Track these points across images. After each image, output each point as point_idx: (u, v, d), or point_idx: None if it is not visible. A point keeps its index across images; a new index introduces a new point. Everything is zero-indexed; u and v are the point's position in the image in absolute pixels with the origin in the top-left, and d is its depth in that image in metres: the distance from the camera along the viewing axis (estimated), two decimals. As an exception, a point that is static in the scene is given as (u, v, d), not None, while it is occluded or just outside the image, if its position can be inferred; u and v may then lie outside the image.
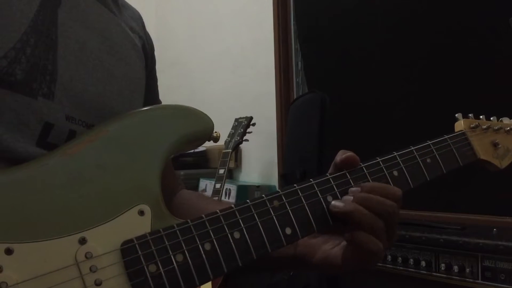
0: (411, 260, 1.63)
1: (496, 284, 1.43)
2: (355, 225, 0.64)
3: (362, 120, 2.11)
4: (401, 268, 1.66)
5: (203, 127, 0.67)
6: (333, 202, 0.66)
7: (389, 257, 1.69)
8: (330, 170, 0.71)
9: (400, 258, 1.66)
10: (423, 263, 1.59)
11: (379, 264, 1.70)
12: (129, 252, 0.55)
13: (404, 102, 2.00)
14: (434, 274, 1.57)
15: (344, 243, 0.67)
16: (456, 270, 1.51)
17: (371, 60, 2.14)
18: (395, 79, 2.05)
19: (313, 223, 0.65)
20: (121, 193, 0.58)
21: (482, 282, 1.46)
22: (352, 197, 0.66)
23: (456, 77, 1.86)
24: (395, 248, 1.68)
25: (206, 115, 0.67)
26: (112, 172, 0.59)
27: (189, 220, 0.59)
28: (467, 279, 1.49)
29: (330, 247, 0.69)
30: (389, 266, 1.70)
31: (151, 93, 0.86)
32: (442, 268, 1.54)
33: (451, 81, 1.86)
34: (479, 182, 1.76)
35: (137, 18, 0.88)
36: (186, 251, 0.57)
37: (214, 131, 0.67)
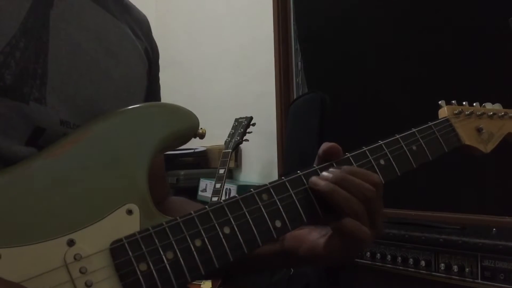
0: (411, 260, 1.62)
1: (495, 284, 1.42)
2: (337, 207, 0.63)
3: (361, 120, 2.11)
4: (400, 268, 1.65)
5: (188, 124, 0.66)
6: (312, 178, 0.66)
7: (388, 257, 1.68)
8: (315, 163, 0.70)
9: (399, 258, 1.65)
10: (422, 263, 1.59)
11: (379, 263, 1.71)
12: (118, 251, 0.55)
13: (404, 102, 1.99)
14: (434, 274, 1.56)
15: (330, 232, 0.66)
16: (455, 270, 1.50)
17: (371, 60, 2.13)
18: (395, 79, 2.04)
19: (303, 215, 0.65)
20: (108, 193, 0.58)
21: (481, 282, 1.45)
22: (331, 175, 0.65)
23: (456, 77, 1.85)
24: (394, 248, 1.67)
25: (191, 112, 0.67)
26: (98, 172, 0.59)
27: (178, 217, 0.58)
28: (467, 279, 1.48)
29: (317, 237, 0.68)
30: (388, 266, 1.69)
31: (154, 98, 0.85)
32: (442, 268, 1.54)
33: (451, 81, 1.86)
34: (479, 182, 1.76)
35: (142, 22, 0.86)
36: (176, 248, 0.56)
37: (199, 128, 0.67)
